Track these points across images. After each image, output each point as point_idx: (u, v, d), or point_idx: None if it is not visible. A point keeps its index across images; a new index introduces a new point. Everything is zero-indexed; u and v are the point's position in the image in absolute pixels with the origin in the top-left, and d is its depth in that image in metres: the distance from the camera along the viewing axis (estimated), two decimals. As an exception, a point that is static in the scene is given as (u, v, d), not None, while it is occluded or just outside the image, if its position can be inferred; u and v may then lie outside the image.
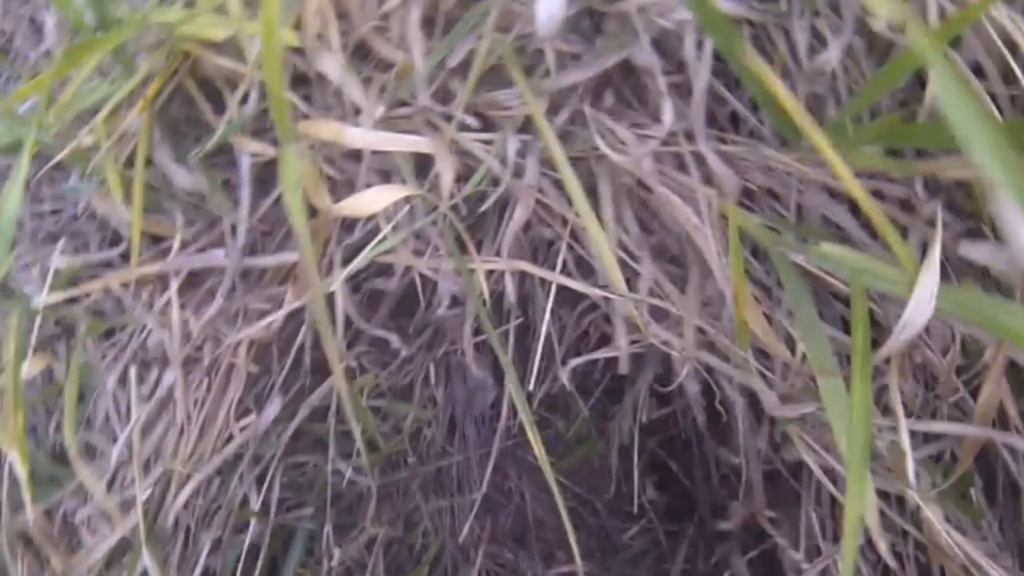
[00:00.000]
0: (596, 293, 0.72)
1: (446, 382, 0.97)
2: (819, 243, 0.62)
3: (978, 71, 0.66)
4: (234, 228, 0.78)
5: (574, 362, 0.80)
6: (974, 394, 0.69)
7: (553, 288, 0.74)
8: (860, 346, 0.58)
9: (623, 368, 0.79)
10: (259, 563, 0.88)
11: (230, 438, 0.80)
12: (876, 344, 0.59)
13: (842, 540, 0.57)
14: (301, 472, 0.93)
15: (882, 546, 0.65)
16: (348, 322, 0.85)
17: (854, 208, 0.69)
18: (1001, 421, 0.68)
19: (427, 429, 0.98)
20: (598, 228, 0.69)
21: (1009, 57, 0.64)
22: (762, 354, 0.73)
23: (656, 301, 0.72)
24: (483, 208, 0.74)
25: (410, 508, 1.02)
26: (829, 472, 0.75)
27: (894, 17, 0.61)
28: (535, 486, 1.07)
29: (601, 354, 0.78)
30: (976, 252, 0.63)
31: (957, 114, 0.50)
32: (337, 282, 0.73)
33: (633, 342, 0.80)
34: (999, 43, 0.64)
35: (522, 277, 0.79)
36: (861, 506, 0.56)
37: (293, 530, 0.93)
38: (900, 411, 0.64)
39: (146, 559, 0.76)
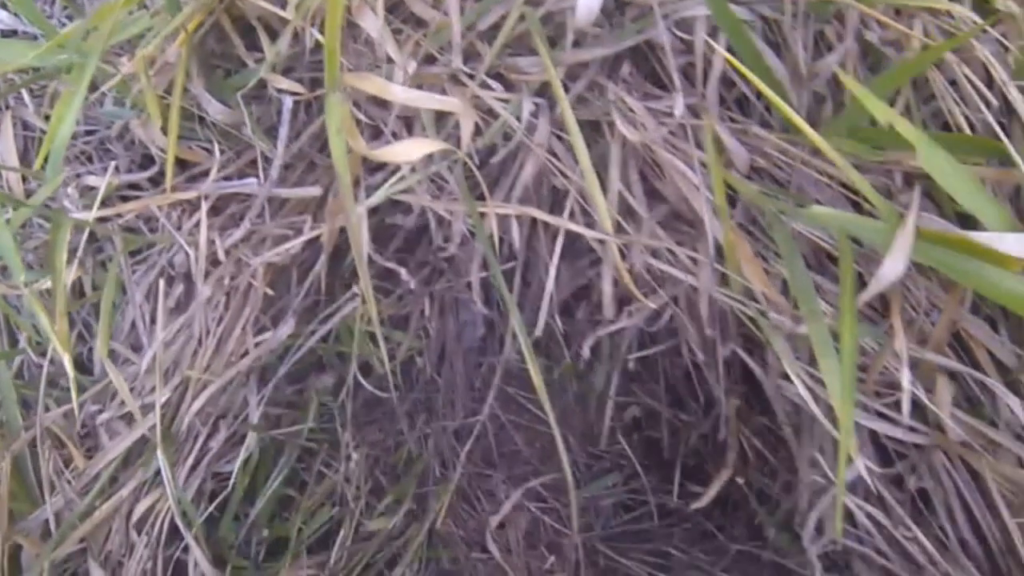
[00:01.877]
0: (591, 234, 0.82)
1: (440, 316, 1.07)
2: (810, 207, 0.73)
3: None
4: (266, 159, 0.87)
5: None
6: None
7: (560, 237, 0.84)
8: (847, 288, 0.69)
9: (607, 311, 0.89)
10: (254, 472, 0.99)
11: (245, 353, 0.90)
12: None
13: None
14: (299, 391, 1.03)
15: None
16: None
17: (846, 196, 0.80)
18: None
19: (419, 358, 1.08)
20: (594, 178, 0.78)
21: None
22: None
23: (647, 241, 0.82)
24: (496, 159, 0.84)
25: (396, 432, 1.12)
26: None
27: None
28: (515, 416, 1.18)
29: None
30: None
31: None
32: (363, 207, 0.82)
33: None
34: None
35: (529, 227, 0.90)
36: (850, 423, 0.68)
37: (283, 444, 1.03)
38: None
39: (160, 458, 0.86)
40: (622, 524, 1.20)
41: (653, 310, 0.86)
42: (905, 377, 0.73)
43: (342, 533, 1.09)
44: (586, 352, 0.94)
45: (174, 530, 0.92)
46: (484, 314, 1.06)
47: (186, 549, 0.92)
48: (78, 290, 0.96)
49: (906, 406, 0.74)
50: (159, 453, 0.86)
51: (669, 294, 0.86)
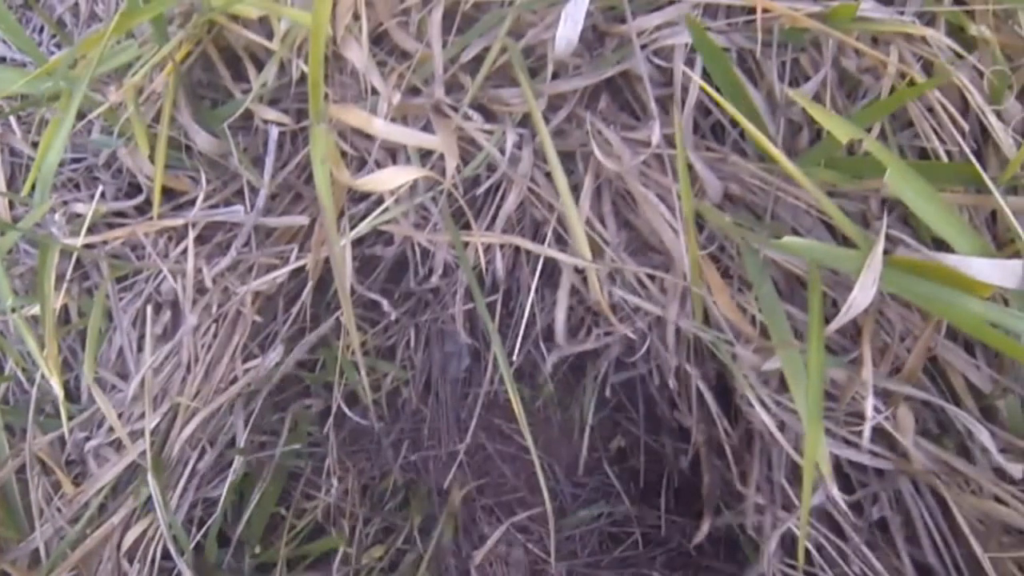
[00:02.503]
0: (568, 260, 0.84)
1: (425, 347, 1.09)
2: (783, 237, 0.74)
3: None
4: (252, 188, 0.89)
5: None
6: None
7: (541, 262, 0.86)
8: (815, 317, 0.71)
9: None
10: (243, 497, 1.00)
11: (234, 380, 0.91)
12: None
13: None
14: (281, 419, 1.04)
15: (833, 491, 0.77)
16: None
17: (823, 221, 0.82)
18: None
19: (404, 389, 1.09)
20: (572, 206, 0.80)
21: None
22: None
23: (618, 265, 0.84)
24: (480, 190, 0.86)
25: (381, 462, 1.13)
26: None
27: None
28: (502, 446, 1.19)
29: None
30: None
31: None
32: (347, 239, 0.83)
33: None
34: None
35: (512, 257, 0.91)
36: (817, 451, 0.69)
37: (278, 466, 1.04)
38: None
39: (151, 484, 0.87)
40: (606, 552, 1.21)
41: (628, 337, 0.88)
42: (869, 405, 0.74)
43: (336, 563, 1.09)
44: (548, 369, 0.95)
45: (165, 556, 0.93)
46: (469, 344, 1.08)
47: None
48: (64, 317, 0.97)
49: (867, 432, 0.76)
50: (150, 479, 0.87)
51: (644, 322, 0.88)
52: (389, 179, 0.80)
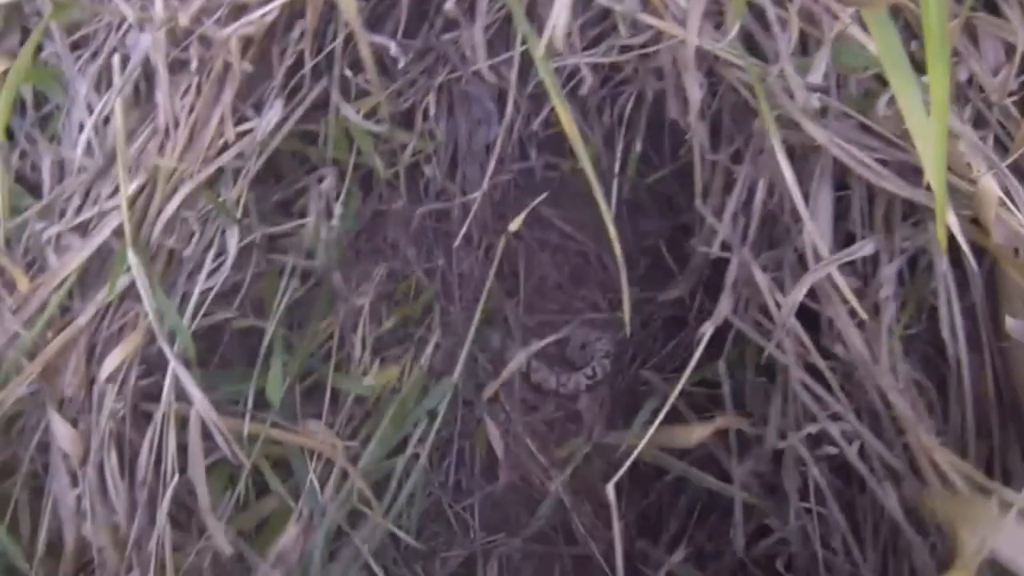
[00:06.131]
0: None
1: (448, 115, 0.94)
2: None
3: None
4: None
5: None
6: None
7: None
8: None
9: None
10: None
11: (225, 146, 0.77)
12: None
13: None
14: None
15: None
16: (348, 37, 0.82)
17: None
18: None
19: (425, 166, 0.95)
20: None
21: None
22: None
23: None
24: None
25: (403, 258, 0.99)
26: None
27: None
28: (538, 231, 1.06)
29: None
30: None
31: None
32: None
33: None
34: None
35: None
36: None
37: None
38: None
39: (132, 261, 0.72)
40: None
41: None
42: None
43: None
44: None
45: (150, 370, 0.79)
46: (495, 106, 0.94)
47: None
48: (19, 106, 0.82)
49: None
50: (130, 255, 0.72)
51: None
52: None
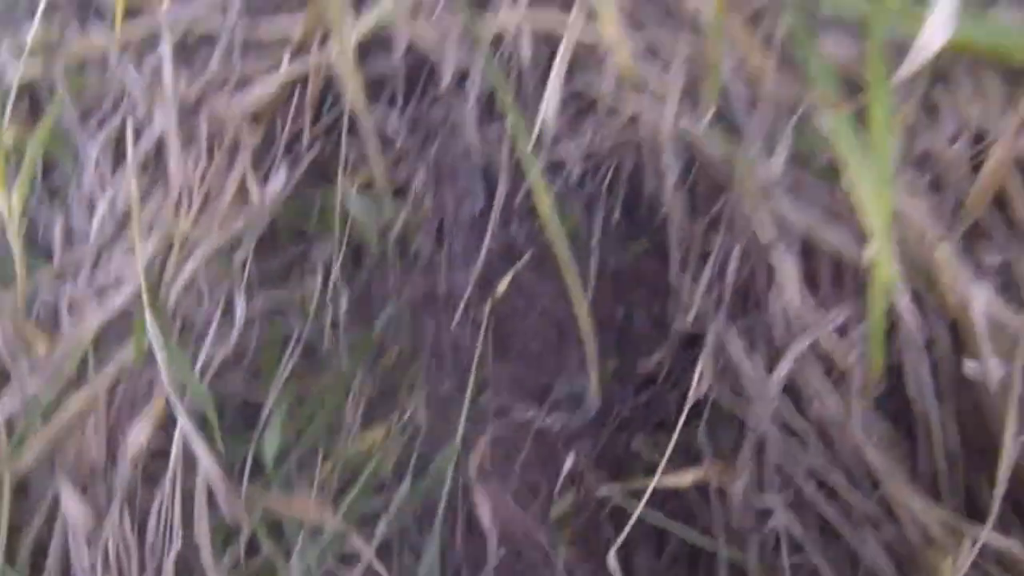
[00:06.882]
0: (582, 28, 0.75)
1: (436, 187, 0.99)
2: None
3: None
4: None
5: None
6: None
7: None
8: (877, 67, 0.63)
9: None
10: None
11: (234, 213, 0.81)
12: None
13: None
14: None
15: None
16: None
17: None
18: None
19: (413, 236, 1.00)
20: None
21: None
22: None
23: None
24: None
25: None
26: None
27: None
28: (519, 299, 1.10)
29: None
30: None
31: None
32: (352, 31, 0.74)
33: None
34: None
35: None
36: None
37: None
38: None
39: (149, 325, 0.76)
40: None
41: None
42: None
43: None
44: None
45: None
46: (482, 180, 0.99)
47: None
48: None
49: None
50: (148, 318, 0.76)
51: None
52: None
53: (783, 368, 0.81)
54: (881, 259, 0.64)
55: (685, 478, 0.89)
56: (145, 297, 0.76)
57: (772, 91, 0.73)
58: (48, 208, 0.86)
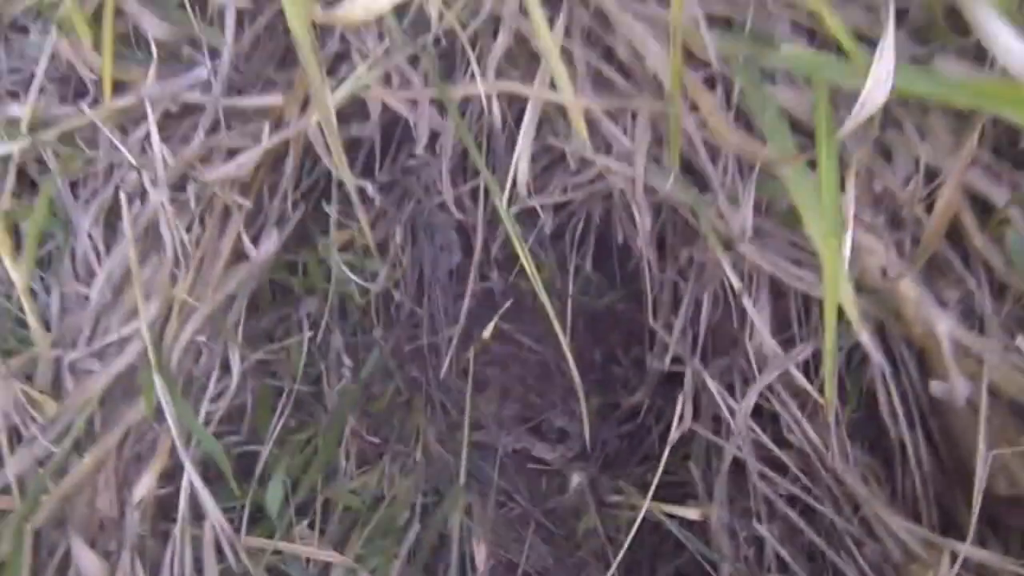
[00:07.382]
0: (545, 96, 0.79)
1: (413, 243, 1.03)
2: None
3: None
4: (215, 63, 0.83)
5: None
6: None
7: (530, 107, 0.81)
8: (824, 125, 0.67)
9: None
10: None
11: (229, 276, 0.85)
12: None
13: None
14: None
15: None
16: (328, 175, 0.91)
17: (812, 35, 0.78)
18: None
19: (395, 291, 1.03)
20: (550, 43, 0.74)
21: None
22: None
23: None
24: (470, 28, 0.80)
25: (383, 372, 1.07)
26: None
27: None
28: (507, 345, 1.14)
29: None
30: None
31: None
32: (331, 96, 0.77)
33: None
34: None
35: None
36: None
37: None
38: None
39: (157, 384, 0.79)
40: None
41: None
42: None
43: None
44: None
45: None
46: (458, 238, 1.03)
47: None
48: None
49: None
50: (156, 379, 0.79)
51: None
52: (362, 8, 0.74)
53: (750, 399, 0.86)
54: (832, 298, 0.68)
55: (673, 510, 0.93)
56: (152, 357, 0.79)
57: (733, 144, 0.77)
58: (41, 277, 0.89)
